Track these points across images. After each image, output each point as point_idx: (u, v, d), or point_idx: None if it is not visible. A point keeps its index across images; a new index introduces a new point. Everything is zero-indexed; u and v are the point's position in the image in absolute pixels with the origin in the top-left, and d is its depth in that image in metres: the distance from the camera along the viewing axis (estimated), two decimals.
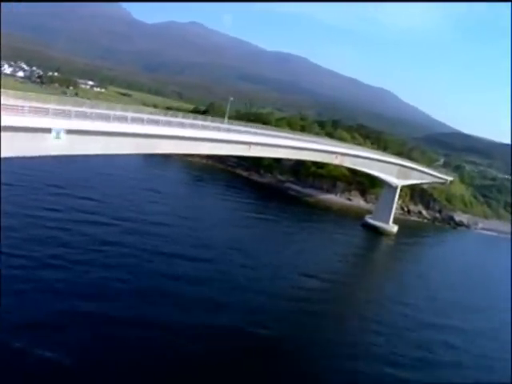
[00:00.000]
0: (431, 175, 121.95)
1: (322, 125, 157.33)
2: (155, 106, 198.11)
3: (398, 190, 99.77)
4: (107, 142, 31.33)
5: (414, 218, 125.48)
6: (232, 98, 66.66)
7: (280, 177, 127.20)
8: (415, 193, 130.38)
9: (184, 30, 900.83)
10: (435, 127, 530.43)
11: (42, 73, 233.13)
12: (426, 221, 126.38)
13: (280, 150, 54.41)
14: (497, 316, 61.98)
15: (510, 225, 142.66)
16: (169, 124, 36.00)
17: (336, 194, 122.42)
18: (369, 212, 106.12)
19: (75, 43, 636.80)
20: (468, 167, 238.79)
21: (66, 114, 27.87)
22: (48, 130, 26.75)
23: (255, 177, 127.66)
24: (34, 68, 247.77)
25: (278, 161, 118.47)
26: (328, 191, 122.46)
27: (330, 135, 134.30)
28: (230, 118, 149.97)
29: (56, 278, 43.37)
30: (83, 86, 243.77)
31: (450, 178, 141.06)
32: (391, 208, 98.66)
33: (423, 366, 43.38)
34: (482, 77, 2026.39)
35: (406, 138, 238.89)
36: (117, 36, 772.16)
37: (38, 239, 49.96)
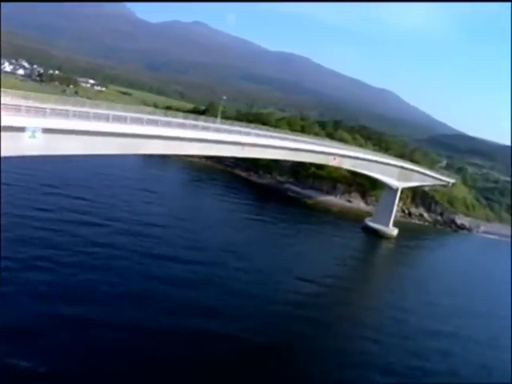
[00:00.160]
0: (433, 177, 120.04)
1: (323, 125, 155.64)
2: (155, 106, 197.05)
3: (399, 193, 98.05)
4: (87, 142, 29.90)
5: (415, 220, 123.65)
6: (225, 97, 64.88)
7: (279, 177, 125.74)
8: (416, 195, 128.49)
9: (188, 30, 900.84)
10: (436, 128, 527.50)
11: (42, 71, 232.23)
12: (427, 224, 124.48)
13: (275, 150, 52.85)
14: (496, 323, 60.30)
15: (510, 228, 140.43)
16: (155, 123, 34.56)
17: (336, 196, 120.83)
18: (369, 214, 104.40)
19: (79, 42, 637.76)
20: (471, 169, 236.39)
21: (42, 112, 26.49)
22: (22, 129, 25.42)
23: (254, 177, 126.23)
24: (35, 66, 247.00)
25: (277, 161, 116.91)
26: (328, 193, 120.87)
27: (331, 136, 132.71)
28: (230, 118, 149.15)
29: (41, 281, 42.09)
30: (84, 84, 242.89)
31: (452, 181, 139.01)
32: (391, 211, 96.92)
33: (419, 375, 41.86)
34: (484, 78, 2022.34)
35: (408, 140, 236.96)
36: (120, 35, 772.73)
37: (25, 240, 48.70)
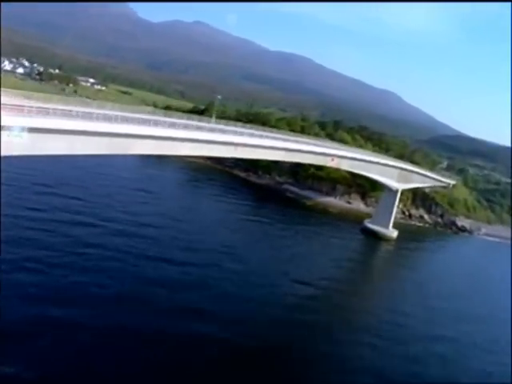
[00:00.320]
0: (433, 179, 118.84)
1: (323, 126, 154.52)
2: (155, 105, 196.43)
3: (399, 194, 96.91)
4: (72, 142, 28.84)
5: (415, 222, 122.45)
6: (220, 97, 63.80)
7: (278, 178, 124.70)
8: (417, 197, 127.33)
9: (189, 30, 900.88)
10: (438, 129, 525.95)
11: (42, 70, 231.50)
12: (427, 225, 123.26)
13: (270, 151, 51.65)
14: (497, 327, 59.20)
15: (511, 230, 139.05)
16: (144, 123, 33.48)
17: (335, 197, 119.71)
18: (369, 216, 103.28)
19: (81, 41, 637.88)
20: (472, 171, 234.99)
21: (28, 111, 25.48)
22: (7, 128, 24.40)
23: (253, 178, 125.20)
24: (36, 65, 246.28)
25: (276, 162, 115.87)
26: (327, 194, 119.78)
27: (331, 136, 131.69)
28: (230, 117, 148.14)
29: (30, 283, 41.16)
30: (83, 83, 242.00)
31: (452, 182, 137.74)
32: (391, 212, 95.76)
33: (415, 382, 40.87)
34: (485, 79, 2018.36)
35: (409, 140, 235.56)
36: (122, 34, 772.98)
37: (15, 240, 47.68)
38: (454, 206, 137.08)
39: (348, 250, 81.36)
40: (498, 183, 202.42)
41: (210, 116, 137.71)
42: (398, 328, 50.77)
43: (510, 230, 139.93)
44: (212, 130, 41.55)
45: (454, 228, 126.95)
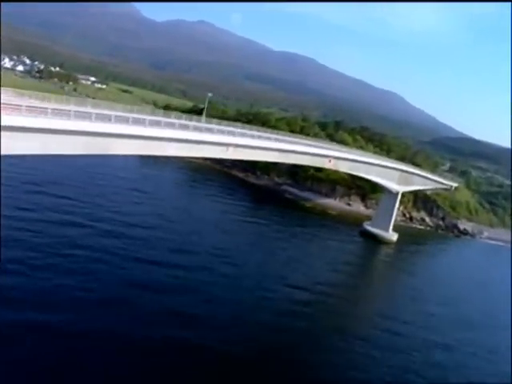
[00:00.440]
0: (435, 181, 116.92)
1: (323, 126, 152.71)
2: (155, 104, 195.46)
3: (399, 197, 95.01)
4: (46, 141, 27.16)
5: (416, 225, 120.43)
6: (211, 94, 62.25)
7: (277, 179, 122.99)
8: (418, 199, 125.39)
9: (193, 29, 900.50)
10: (441, 130, 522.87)
11: (42, 67, 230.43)
12: (428, 228, 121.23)
13: (263, 152, 49.79)
14: (496, 334, 57.32)
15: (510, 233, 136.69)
16: (125, 121, 31.74)
17: (335, 199, 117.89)
18: (369, 218, 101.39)
19: (83, 39, 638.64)
20: (475, 173, 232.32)
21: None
22: None
23: (252, 178, 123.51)
24: (36, 63, 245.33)
25: (275, 162, 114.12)
26: (327, 195, 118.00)
27: (331, 137, 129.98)
28: (229, 117, 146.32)
29: (11, 285, 39.62)
30: (84, 81, 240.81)
31: (454, 184, 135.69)
32: (391, 215, 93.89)
33: None
34: (490, 80, 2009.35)
35: (411, 142, 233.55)
36: (125, 33, 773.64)
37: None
38: (456, 208, 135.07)
39: (346, 253, 79.48)
40: (500, 186, 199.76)
41: (210, 115, 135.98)
42: (394, 336, 48.94)
43: (511, 233, 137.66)
44: (199, 129, 39.71)
45: (455, 231, 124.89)
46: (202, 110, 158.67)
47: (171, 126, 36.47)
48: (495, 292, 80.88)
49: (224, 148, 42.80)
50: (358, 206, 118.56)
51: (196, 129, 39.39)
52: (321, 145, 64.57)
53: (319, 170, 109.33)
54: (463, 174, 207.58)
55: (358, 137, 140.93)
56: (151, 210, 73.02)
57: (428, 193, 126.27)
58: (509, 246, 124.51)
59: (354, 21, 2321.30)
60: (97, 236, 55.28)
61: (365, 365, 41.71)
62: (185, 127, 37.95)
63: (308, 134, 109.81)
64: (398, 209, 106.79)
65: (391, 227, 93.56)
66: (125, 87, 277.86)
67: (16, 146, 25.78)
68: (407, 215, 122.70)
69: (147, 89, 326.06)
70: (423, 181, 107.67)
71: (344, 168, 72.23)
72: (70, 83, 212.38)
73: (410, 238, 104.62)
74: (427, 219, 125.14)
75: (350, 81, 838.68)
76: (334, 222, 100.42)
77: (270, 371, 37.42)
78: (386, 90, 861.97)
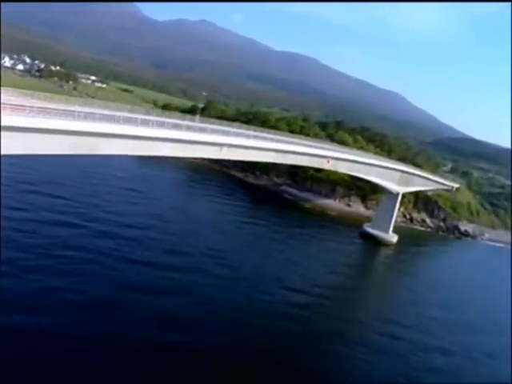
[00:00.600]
0: (436, 182, 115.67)
1: (324, 126, 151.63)
2: (155, 103, 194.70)
3: (400, 198, 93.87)
4: (26, 140, 26.23)
5: (416, 226, 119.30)
6: (205, 93, 60.72)
7: (276, 179, 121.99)
8: (419, 200, 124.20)
9: (194, 28, 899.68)
10: (443, 131, 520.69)
11: (42, 66, 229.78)
12: (429, 230, 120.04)
13: (258, 152, 48.68)
14: (495, 338, 56.25)
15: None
16: (115, 120, 30.74)
17: (335, 200, 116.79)
18: (369, 219, 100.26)
19: (85, 38, 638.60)
20: (476, 174, 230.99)
21: None
22: None
23: (251, 178, 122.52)
24: (37, 61, 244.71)
25: (274, 162, 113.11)
26: (326, 196, 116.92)
27: (332, 137, 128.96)
28: (229, 116, 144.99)
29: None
30: (84, 80, 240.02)
31: (456, 185, 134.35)
32: (391, 216, 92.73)
33: None
34: (492, 80, 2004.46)
35: (413, 142, 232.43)
36: (127, 32, 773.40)
37: None
38: (457, 209, 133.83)
39: (345, 255, 78.40)
40: (502, 187, 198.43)
41: (209, 114, 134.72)
42: (392, 340, 47.95)
43: None
44: (192, 129, 38.63)
45: (456, 233, 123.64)
46: (202, 109, 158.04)
47: (163, 125, 35.44)
48: (497, 295, 79.73)
49: (218, 148, 41.81)
50: (358, 207, 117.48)
51: (189, 128, 38.35)
52: (319, 145, 63.41)
53: (319, 170, 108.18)
54: (465, 174, 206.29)
55: (359, 137, 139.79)
56: (147, 210, 72.10)
57: (429, 194, 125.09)
58: (509, 247, 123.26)
59: (356, 21, 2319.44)
60: (90, 236, 54.40)
61: (362, 370, 40.78)
62: (177, 127, 36.94)
63: (308, 135, 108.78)
64: (399, 210, 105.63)
65: (391, 229, 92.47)
66: (125, 86, 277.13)
67: None
68: (408, 216, 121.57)
69: (148, 88, 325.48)
70: (424, 182, 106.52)
71: (343, 169, 71.15)
72: (70, 82, 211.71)
73: (410, 239, 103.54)
74: (428, 220, 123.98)
75: (351, 81, 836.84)
76: (334, 223, 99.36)
77: (264, 377, 36.55)
78: (388, 90, 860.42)
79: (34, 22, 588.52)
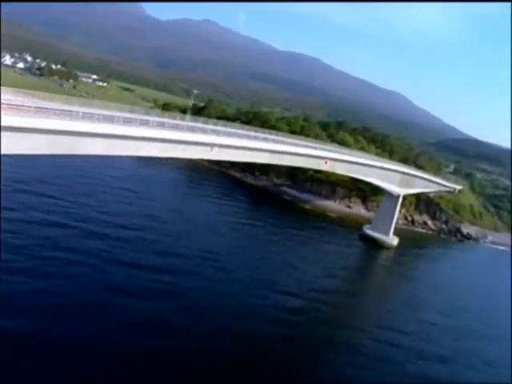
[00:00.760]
0: (437, 183, 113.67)
1: (325, 126, 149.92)
2: (155, 102, 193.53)
3: (400, 200, 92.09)
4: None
5: (418, 228, 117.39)
6: (196, 91, 59.56)
7: (276, 180, 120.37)
8: (420, 202, 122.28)
9: (198, 28, 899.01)
10: (446, 132, 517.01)
11: (43, 65, 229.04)
12: (430, 232, 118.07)
13: (252, 153, 46.93)
14: (496, 345, 54.55)
15: None
16: (91, 118, 29.08)
17: (335, 201, 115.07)
18: (370, 221, 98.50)
19: (89, 38, 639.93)
20: (479, 175, 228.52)
21: None
22: None
23: (250, 179, 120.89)
24: (38, 60, 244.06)
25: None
26: (326, 197, 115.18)
27: (332, 137, 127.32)
28: (229, 116, 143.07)
29: None
30: (85, 79, 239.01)
31: (458, 187, 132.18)
32: (392, 218, 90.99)
33: None
34: (496, 81, 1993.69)
35: (416, 143, 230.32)
36: (131, 32, 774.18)
37: None
38: (460, 212, 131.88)
39: (344, 258, 76.67)
40: (505, 189, 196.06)
41: (209, 114, 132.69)
42: (389, 347, 46.36)
43: None
44: (179, 128, 36.96)
45: (458, 235, 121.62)
46: (202, 108, 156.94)
47: (147, 124, 33.83)
48: (498, 299, 77.81)
49: (208, 148, 40.23)
50: (358, 209, 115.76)
51: (175, 127, 36.70)
52: (316, 146, 61.64)
53: (319, 171, 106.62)
54: (468, 176, 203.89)
55: (360, 137, 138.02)
56: (142, 210, 70.67)
57: (431, 196, 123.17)
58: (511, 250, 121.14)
59: (360, 21, 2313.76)
60: (80, 237, 53.03)
61: (355, 379, 39.18)
62: (162, 126, 35.30)
63: (308, 135, 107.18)
64: (400, 211, 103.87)
65: (392, 231, 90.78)
66: (127, 85, 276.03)
67: None
68: (409, 218, 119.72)
69: (150, 87, 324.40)
70: (425, 183, 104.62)
71: (341, 170, 69.42)
72: (70, 81, 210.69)
73: (411, 241, 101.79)
74: (429, 223, 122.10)
75: (355, 81, 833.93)
76: (333, 224, 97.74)
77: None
78: (390, 90, 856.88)
79: (38, 21, 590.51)
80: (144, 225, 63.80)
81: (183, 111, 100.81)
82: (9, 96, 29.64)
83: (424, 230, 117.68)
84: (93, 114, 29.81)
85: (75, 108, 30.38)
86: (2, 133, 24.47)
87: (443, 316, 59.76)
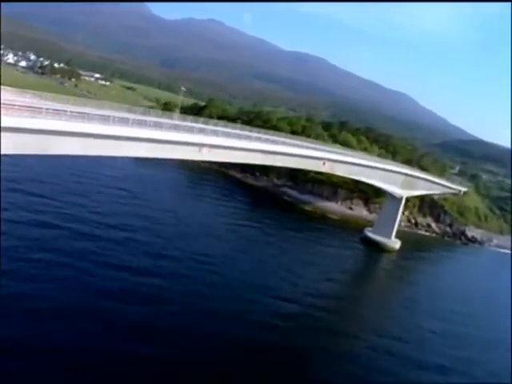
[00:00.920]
0: (442, 185, 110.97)
1: (328, 126, 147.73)
2: (157, 101, 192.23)
3: (403, 202, 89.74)
4: None
5: (421, 231, 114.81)
6: (184, 89, 57.73)
7: (276, 181, 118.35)
8: (424, 204, 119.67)
9: (203, 27, 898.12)
10: (452, 133, 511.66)
11: (45, 63, 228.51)
12: (434, 235, 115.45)
13: (244, 153, 44.90)
14: (497, 353, 52.29)
15: None
16: (74, 118, 27.21)
17: (336, 202, 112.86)
18: (372, 223, 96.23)
19: (94, 37, 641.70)
20: (485, 177, 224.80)
21: None
22: None
23: (250, 179, 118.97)
24: (41, 59, 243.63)
25: None
26: (328, 199, 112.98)
27: (335, 138, 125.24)
28: (230, 116, 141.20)
29: None
30: (87, 78, 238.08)
31: (463, 189, 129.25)
32: (394, 221, 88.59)
33: None
34: (502, 81, 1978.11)
35: (421, 144, 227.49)
36: (135, 31, 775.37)
37: None
38: (464, 214, 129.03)
39: (343, 261, 74.58)
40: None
41: (209, 114, 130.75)
42: (386, 356, 44.33)
43: None
44: (159, 126, 35.02)
45: (463, 238, 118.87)
46: (203, 108, 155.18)
47: (126, 122, 31.96)
48: (502, 306, 75.24)
49: (196, 148, 38.36)
50: (360, 211, 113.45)
51: (156, 125, 34.75)
52: (314, 146, 59.46)
53: (320, 172, 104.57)
54: (473, 177, 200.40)
55: (363, 138, 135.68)
56: (137, 211, 69.05)
57: (435, 198, 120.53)
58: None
59: (366, 21, 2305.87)
60: (69, 239, 51.44)
61: None
62: (142, 124, 33.43)
63: (310, 135, 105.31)
64: (403, 214, 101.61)
65: (394, 234, 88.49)
66: (130, 84, 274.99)
67: None
68: (412, 221, 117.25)
69: (154, 86, 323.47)
70: (429, 185, 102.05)
71: (341, 171, 67.21)
72: (72, 79, 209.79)
73: (414, 244, 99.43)
74: (433, 225, 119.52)
75: (360, 81, 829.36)
76: (334, 227, 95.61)
77: None
78: (395, 91, 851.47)
79: (43, 20, 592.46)
80: (138, 226, 62.19)
81: (184, 111, 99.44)
82: None
83: (427, 233, 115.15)
84: (66, 111, 28.05)
85: (68, 107, 28.59)
86: None
87: (444, 322, 57.47)
